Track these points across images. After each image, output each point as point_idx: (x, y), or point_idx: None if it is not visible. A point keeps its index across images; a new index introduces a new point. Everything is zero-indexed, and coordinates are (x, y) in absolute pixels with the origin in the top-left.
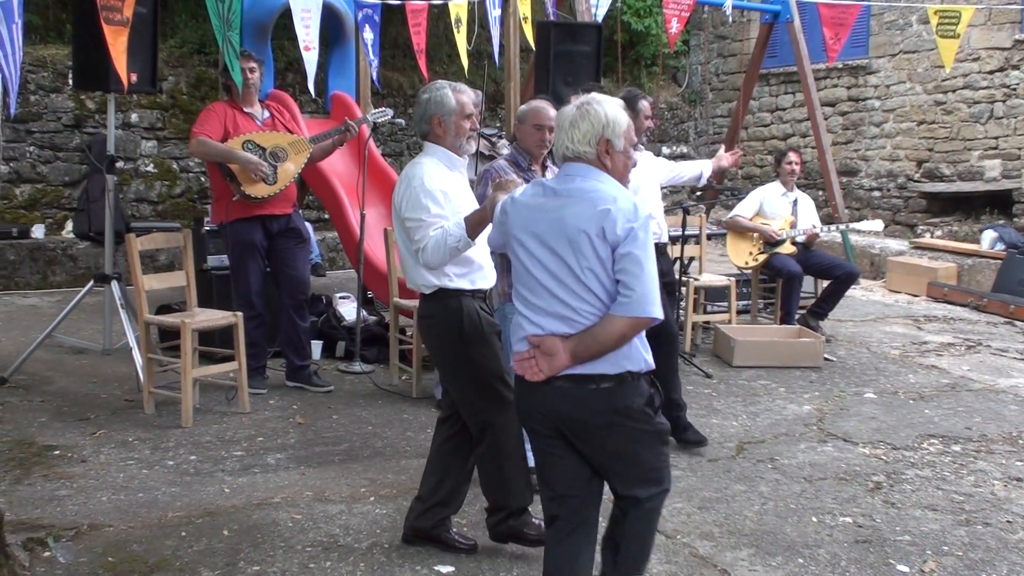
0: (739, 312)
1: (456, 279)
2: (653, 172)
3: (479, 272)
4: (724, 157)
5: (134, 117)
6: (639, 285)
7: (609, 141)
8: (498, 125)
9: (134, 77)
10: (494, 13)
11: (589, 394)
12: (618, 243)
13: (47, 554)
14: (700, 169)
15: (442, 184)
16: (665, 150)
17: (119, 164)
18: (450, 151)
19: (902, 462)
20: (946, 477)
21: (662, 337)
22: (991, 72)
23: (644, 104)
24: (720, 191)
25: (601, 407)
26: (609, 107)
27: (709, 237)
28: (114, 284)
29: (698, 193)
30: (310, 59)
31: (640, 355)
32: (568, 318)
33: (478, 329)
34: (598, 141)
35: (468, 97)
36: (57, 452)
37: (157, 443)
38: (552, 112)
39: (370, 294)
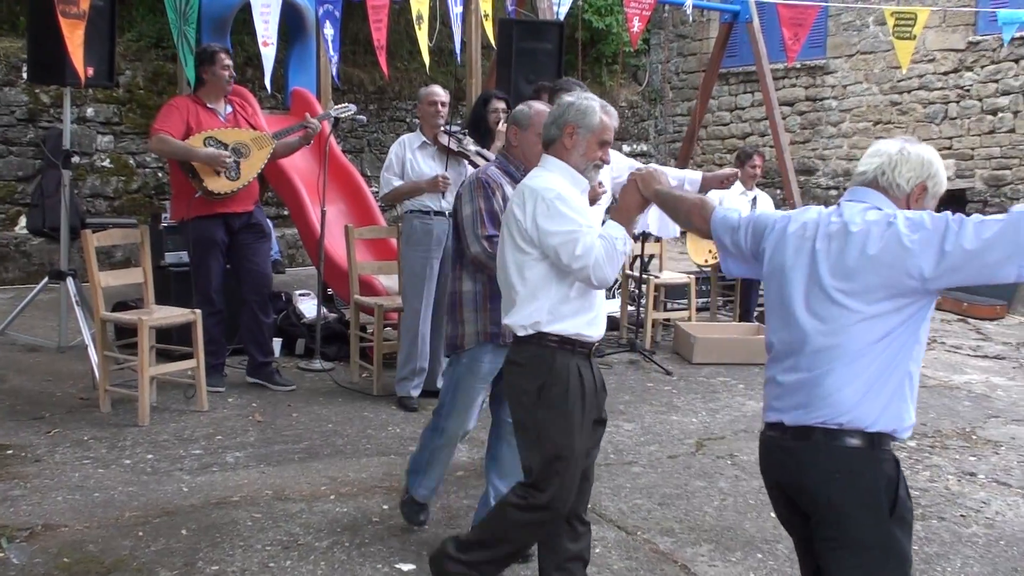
0: (699, 310)
1: (559, 320)
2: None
3: (588, 315)
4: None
5: (90, 111)
6: None
7: (925, 188)
8: (459, 123)
9: (91, 71)
10: (456, 10)
11: None
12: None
13: (0, 555)
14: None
15: (578, 200)
16: (626, 148)
17: (74, 159)
18: (574, 170)
19: None
20: (906, 475)
21: None
22: (945, 73)
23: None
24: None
25: None
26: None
27: None
28: (69, 281)
29: None
30: (268, 55)
31: None
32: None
33: (564, 387)
34: (917, 183)
35: (613, 123)
36: (10, 452)
37: (113, 442)
38: None
39: (330, 291)
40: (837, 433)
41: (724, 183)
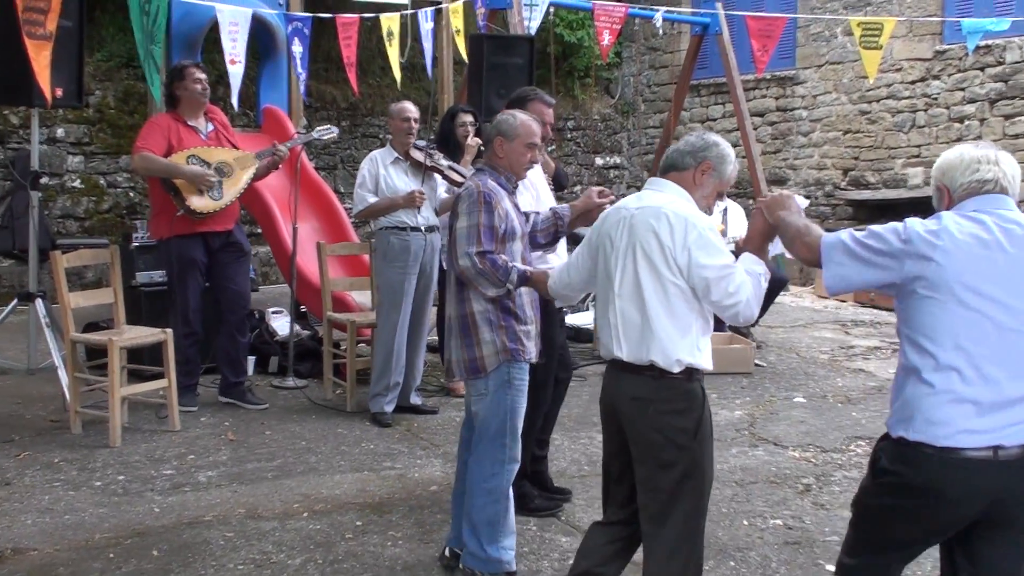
0: None
1: (703, 353)
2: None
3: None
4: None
5: (60, 132)
6: None
7: None
8: (431, 137)
9: (59, 91)
10: (427, 26)
11: None
12: None
13: None
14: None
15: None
16: (599, 160)
17: (44, 180)
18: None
19: (831, 464)
20: None
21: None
22: (913, 82)
23: (538, 107)
24: None
25: None
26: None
27: None
28: (38, 302)
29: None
30: (235, 72)
31: None
32: None
33: (710, 426)
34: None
35: (733, 178)
36: None
37: (84, 464)
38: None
39: (303, 308)
40: None
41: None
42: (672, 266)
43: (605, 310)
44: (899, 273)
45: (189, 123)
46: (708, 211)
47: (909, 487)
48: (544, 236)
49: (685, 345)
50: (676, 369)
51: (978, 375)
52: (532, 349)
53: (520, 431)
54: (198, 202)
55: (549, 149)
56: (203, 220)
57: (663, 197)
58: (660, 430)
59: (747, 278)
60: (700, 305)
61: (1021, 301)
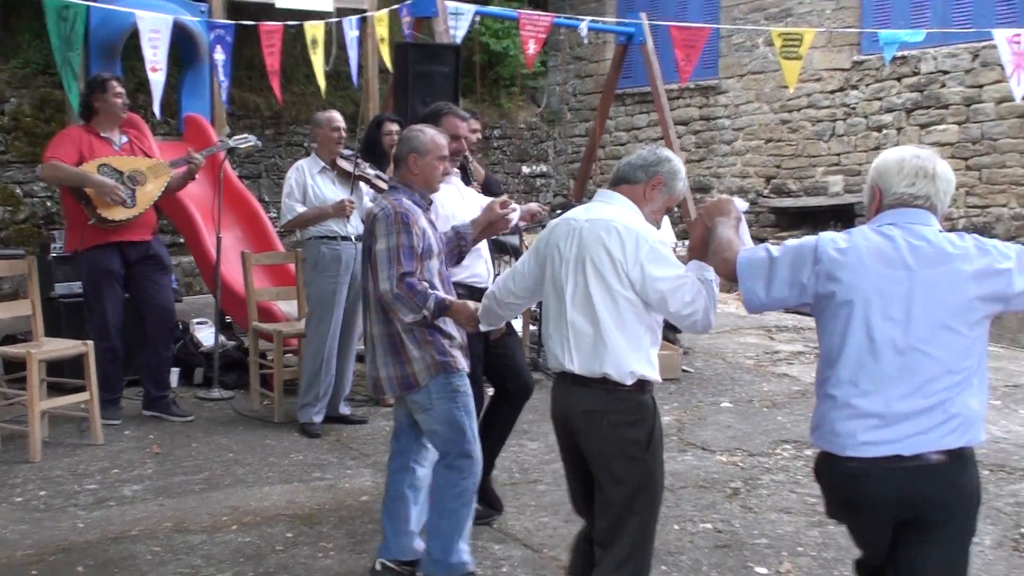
0: None
1: (653, 365)
2: (473, 201)
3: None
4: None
5: None
6: None
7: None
8: (357, 146)
9: None
10: (352, 34)
11: None
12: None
13: None
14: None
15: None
16: (525, 169)
17: None
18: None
19: (758, 468)
20: (799, 480)
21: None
22: (832, 92)
23: (452, 122)
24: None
25: None
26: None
27: None
28: None
29: (558, 211)
30: (157, 80)
31: None
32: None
33: (661, 436)
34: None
35: (682, 194)
36: None
37: (4, 479)
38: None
39: (228, 319)
40: None
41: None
42: (624, 280)
43: (555, 322)
44: (809, 292)
45: (102, 135)
46: (656, 225)
47: (829, 492)
48: (448, 257)
49: (637, 357)
50: (629, 381)
51: (878, 390)
52: (462, 361)
53: (476, 431)
54: (109, 211)
55: (476, 158)
56: (117, 230)
57: (613, 210)
58: (613, 443)
59: (700, 286)
60: (650, 318)
61: (921, 320)
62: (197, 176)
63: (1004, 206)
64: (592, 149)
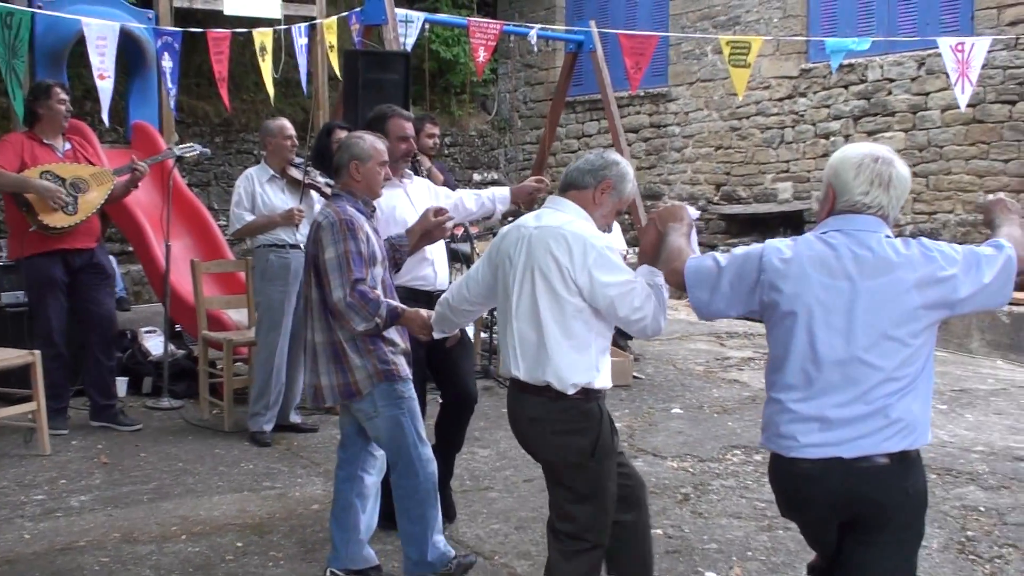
0: None
1: (601, 373)
2: (428, 203)
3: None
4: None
5: None
6: None
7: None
8: (307, 154)
9: None
10: (301, 41)
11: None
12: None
13: None
14: (492, 199)
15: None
16: (476, 176)
17: None
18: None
19: (708, 473)
20: (748, 486)
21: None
22: (780, 99)
23: (398, 123)
24: None
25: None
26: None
27: None
28: None
29: (510, 218)
30: (105, 88)
31: None
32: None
33: (611, 442)
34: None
35: (632, 196)
36: None
37: None
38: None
39: (178, 327)
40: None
41: (534, 194)
42: (571, 287)
43: (504, 328)
44: (754, 301)
45: (45, 142)
46: (607, 229)
47: (778, 492)
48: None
49: (582, 366)
50: (571, 391)
51: (820, 397)
52: (405, 367)
53: (424, 433)
54: (51, 218)
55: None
56: (60, 237)
57: (562, 216)
58: (558, 450)
59: (649, 291)
60: (600, 325)
61: (863, 330)
62: (145, 184)
63: (951, 212)
64: (543, 156)
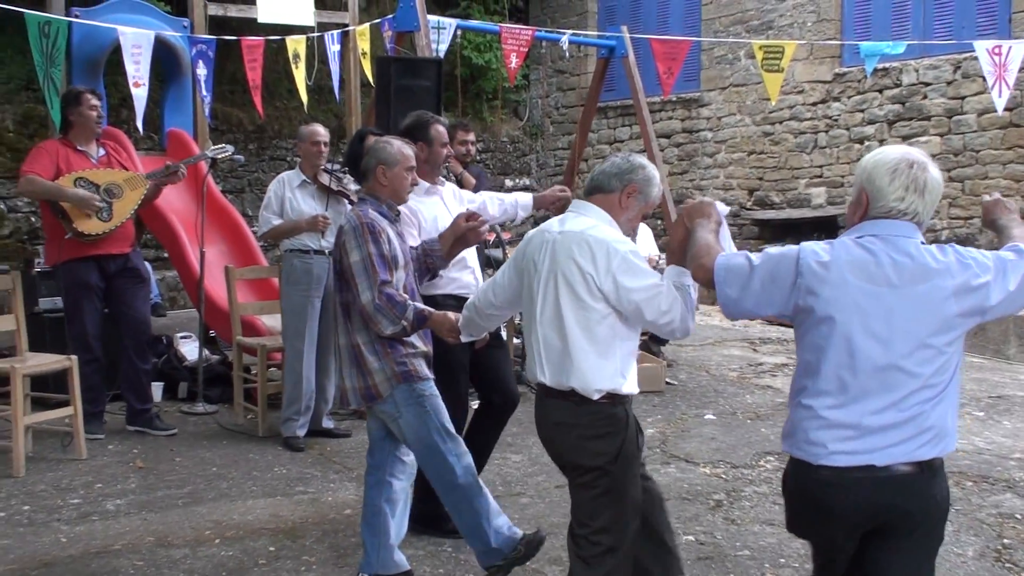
0: None
1: (627, 378)
2: (457, 207)
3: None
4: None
5: None
6: None
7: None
8: (340, 160)
9: None
10: (333, 48)
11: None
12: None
13: None
14: (514, 205)
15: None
16: (508, 182)
17: None
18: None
19: (741, 480)
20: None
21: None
22: (814, 104)
23: (439, 130)
24: None
25: None
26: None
27: None
28: None
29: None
30: (139, 95)
31: None
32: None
33: (635, 448)
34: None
35: (658, 200)
36: None
37: None
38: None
39: (212, 333)
40: None
41: (557, 202)
42: (595, 293)
43: (529, 333)
44: (789, 304)
45: (79, 148)
46: (633, 234)
47: (800, 501)
48: (419, 274)
49: (607, 372)
50: (595, 397)
51: (854, 404)
52: (424, 369)
53: (451, 427)
54: (86, 224)
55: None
56: (95, 243)
57: (586, 221)
58: (581, 454)
59: (676, 293)
60: (626, 330)
61: (902, 337)
62: (180, 191)
63: None
64: (574, 162)
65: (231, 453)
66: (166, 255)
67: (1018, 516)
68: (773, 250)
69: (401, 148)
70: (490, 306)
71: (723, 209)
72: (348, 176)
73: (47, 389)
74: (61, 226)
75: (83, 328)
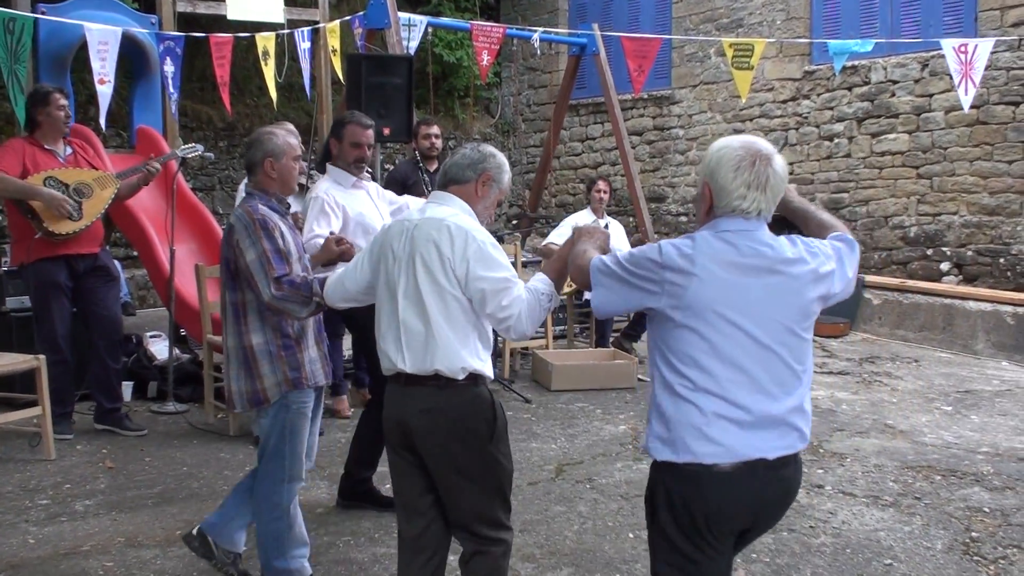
0: (556, 337)
1: (486, 360)
2: (381, 204)
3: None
4: None
5: None
6: None
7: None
8: (312, 157)
9: None
10: (304, 45)
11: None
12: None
13: None
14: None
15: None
16: None
17: None
18: (480, 217)
19: None
20: None
21: None
22: (784, 101)
23: (353, 129)
24: (534, 219)
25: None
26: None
27: (524, 265)
28: None
29: (514, 222)
30: (104, 92)
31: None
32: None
33: (504, 424)
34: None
35: (509, 186)
36: None
37: None
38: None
39: (182, 332)
40: None
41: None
42: (451, 277)
43: (388, 323)
44: (659, 297)
45: (46, 147)
46: (490, 221)
47: (682, 506)
48: None
49: (469, 352)
50: (461, 376)
51: (734, 397)
52: (317, 373)
53: (301, 452)
54: (56, 224)
55: (434, 169)
56: (64, 242)
57: (446, 210)
58: (454, 437)
59: (524, 294)
60: (477, 317)
61: (771, 325)
62: (149, 189)
63: (955, 214)
64: (547, 159)
65: (202, 452)
66: (135, 253)
67: (986, 509)
68: (637, 249)
69: (286, 138)
70: (343, 298)
71: (623, 235)
72: (319, 175)
73: (15, 389)
74: (30, 226)
75: (52, 328)
